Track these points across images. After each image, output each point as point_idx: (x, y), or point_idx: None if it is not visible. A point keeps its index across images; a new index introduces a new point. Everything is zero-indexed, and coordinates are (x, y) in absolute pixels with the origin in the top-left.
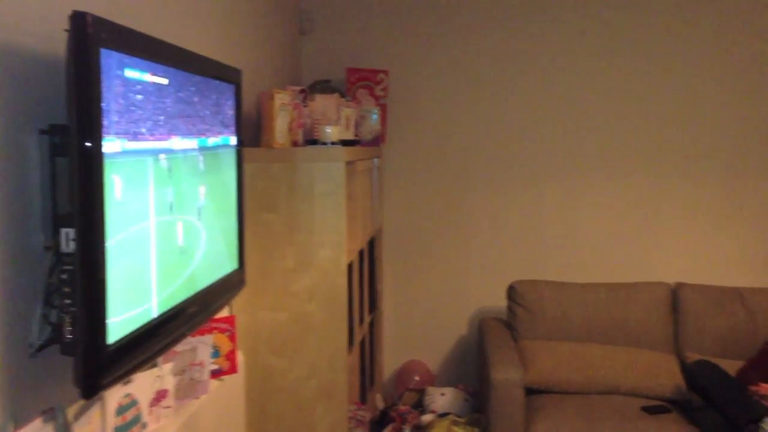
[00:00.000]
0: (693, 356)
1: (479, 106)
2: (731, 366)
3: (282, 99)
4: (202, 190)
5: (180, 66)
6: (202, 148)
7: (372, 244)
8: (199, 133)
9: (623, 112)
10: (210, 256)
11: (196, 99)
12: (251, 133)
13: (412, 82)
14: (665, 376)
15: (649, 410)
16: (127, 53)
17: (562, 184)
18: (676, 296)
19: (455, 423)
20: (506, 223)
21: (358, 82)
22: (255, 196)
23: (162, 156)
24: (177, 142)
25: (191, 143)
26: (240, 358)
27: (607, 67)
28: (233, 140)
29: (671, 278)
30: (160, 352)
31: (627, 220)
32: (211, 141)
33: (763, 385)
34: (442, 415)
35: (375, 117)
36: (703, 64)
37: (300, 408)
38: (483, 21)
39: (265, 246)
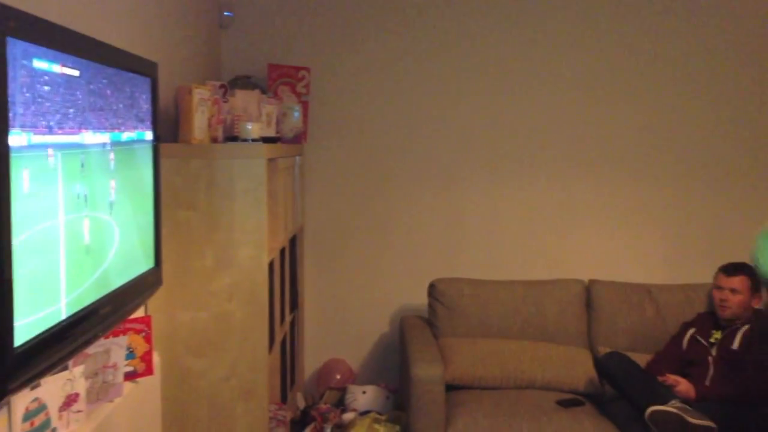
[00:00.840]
0: (605, 350)
1: (401, 105)
2: (641, 359)
3: (201, 94)
4: (115, 186)
5: (92, 57)
6: (116, 143)
7: (293, 242)
8: (112, 128)
9: (540, 115)
10: (124, 254)
11: (108, 92)
12: (169, 128)
13: (334, 80)
14: (579, 370)
15: (564, 403)
16: (35, 43)
17: (482, 184)
18: (589, 293)
19: (376, 421)
20: (427, 222)
21: (280, 79)
22: (172, 193)
23: (72, 150)
24: (88, 137)
25: (104, 138)
26: (156, 359)
27: (526, 68)
28: (149, 135)
29: (585, 275)
30: (70, 354)
31: (543, 220)
32: (125, 136)
33: (669, 375)
34: (364, 413)
35: (296, 114)
36: (612, 70)
37: (219, 409)
38: (404, 19)
39: (183, 244)
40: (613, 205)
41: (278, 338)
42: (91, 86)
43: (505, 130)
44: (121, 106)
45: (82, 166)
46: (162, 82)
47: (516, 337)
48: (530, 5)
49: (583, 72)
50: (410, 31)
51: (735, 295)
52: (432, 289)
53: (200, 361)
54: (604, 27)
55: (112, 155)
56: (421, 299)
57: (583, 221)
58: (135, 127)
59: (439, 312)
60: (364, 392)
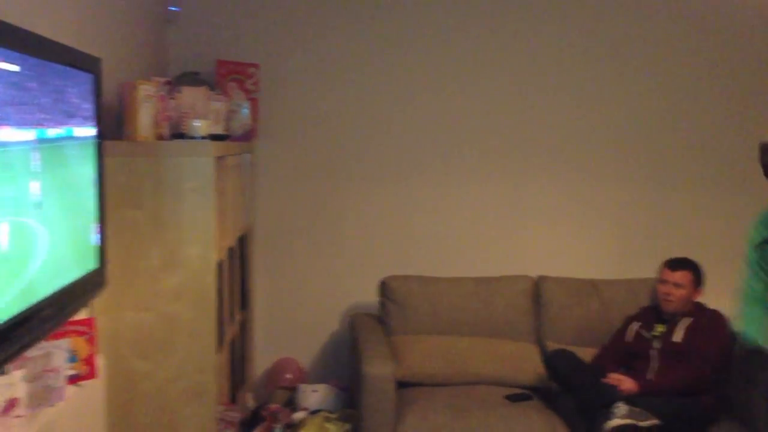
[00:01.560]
0: (553, 345)
1: (351, 102)
2: (587, 353)
3: (146, 90)
4: (40, 186)
5: (26, 51)
6: (44, 141)
7: (243, 241)
8: (38, 124)
9: (490, 113)
10: (58, 256)
11: (35, 86)
12: (114, 126)
13: (284, 77)
14: (528, 365)
15: (512, 398)
16: None
17: (432, 182)
18: (538, 289)
19: (327, 419)
20: (378, 220)
21: (229, 75)
22: (117, 192)
23: None
24: (9, 133)
25: (28, 135)
26: (100, 361)
27: (476, 66)
28: (86, 132)
29: (534, 272)
30: (8, 358)
31: (493, 217)
32: (56, 133)
33: (612, 375)
34: (315, 412)
35: (246, 111)
36: (560, 68)
37: (166, 411)
38: (356, 16)
39: (128, 244)
40: (561, 202)
41: (227, 338)
42: (18, 80)
43: (454, 127)
44: (48, 100)
45: (4, 164)
46: (106, 78)
47: (466, 333)
48: (476, 3)
49: (531, 70)
50: (362, 27)
51: (678, 290)
52: (383, 286)
53: (146, 362)
54: (558, 22)
55: (37, 154)
56: (372, 297)
57: (532, 218)
58: (71, 124)
59: (390, 309)
60: (314, 391)
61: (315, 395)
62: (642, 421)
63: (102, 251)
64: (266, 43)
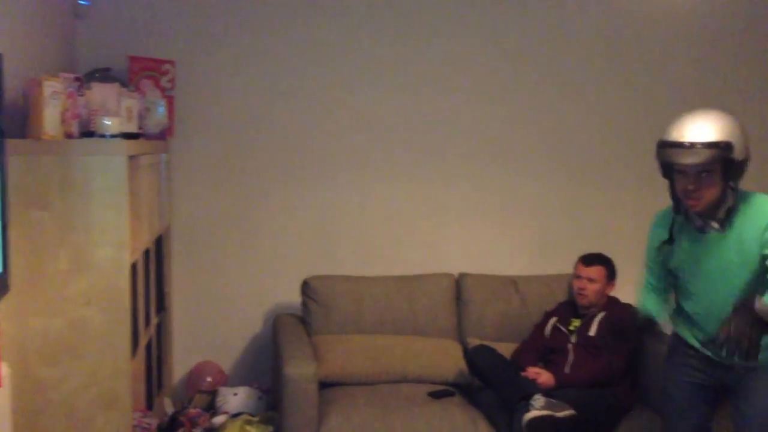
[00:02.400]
0: (474, 341)
1: (271, 100)
2: (507, 348)
3: (53, 87)
4: None
5: None
6: None
7: (160, 242)
8: None
9: (410, 111)
10: None
11: None
12: (19, 124)
13: (202, 74)
14: (450, 361)
15: (435, 395)
16: None
17: (354, 180)
18: (459, 286)
19: (248, 422)
20: (300, 219)
21: (142, 72)
22: (21, 193)
23: None
24: None
25: None
26: (5, 370)
27: (394, 64)
28: None
29: (455, 269)
30: None
31: (415, 215)
32: None
33: (530, 369)
34: (235, 416)
35: (161, 109)
36: (478, 66)
37: (77, 420)
38: (274, 13)
39: (34, 247)
40: (480, 200)
41: (142, 342)
42: None
43: (375, 126)
44: None
45: None
46: (9, 74)
47: (389, 331)
48: (397, 2)
49: (449, 67)
50: (280, 24)
51: (592, 284)
52: (305, 286)
53: (55, 370)
54: (474, 20)
55: None
56: (295, 297)
57: (453, 216)
58: None
59: (312, 309)
60: (235, 394)
61: (235, 398)
62: (558, 411)
63: (4, 255)
64: (182, 39)
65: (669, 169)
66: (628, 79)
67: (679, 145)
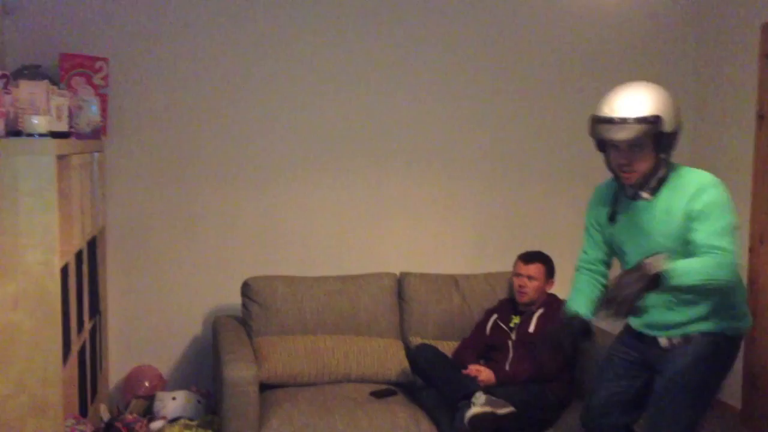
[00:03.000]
0: (416, 340)
1: (211, 99)
2: (449, 347)
3: None
4: None
5: None
6: None
7: (94, 244)
8: None
9: (349, 112)
10: None
11: None
12: None
13: (137, 71)
14: (392, 361)
15: (378, 394)
16: None
17: (294, 180)
18: (401, 285)
19: (187, 427)
20: (241, 220)
21: (74, 70)
22: None
23: None
24: None
25: None
26: None
27: (334, 65)
28: None
29: (397, 268)
30: None
31: (356, 215)
32: None
33: (471, 367)
34: (173, 420)
35: (94, 108)
36: (418, 68)
37: (6, 429)
38: (211, 9)
39: None
40: (421, 199)
41: (75, 347)
42: None
43: (314, 126)
44: None
45: None
46: None
47: (331, 332)
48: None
49: (389, 67)
50: (219, 23)
51: (532, 282)
52: (245, 287)
53: None
54: (412, 24)
55: None
56: (234, 299)
57: (394, 215)
58: None
59: (253, 311)
60: (173, 398)
61: (174, 403)
62: (499, 409)
63: None
64: (117, 36)
65: (603, 143)
66: (566, 81)
67: (610, 121)
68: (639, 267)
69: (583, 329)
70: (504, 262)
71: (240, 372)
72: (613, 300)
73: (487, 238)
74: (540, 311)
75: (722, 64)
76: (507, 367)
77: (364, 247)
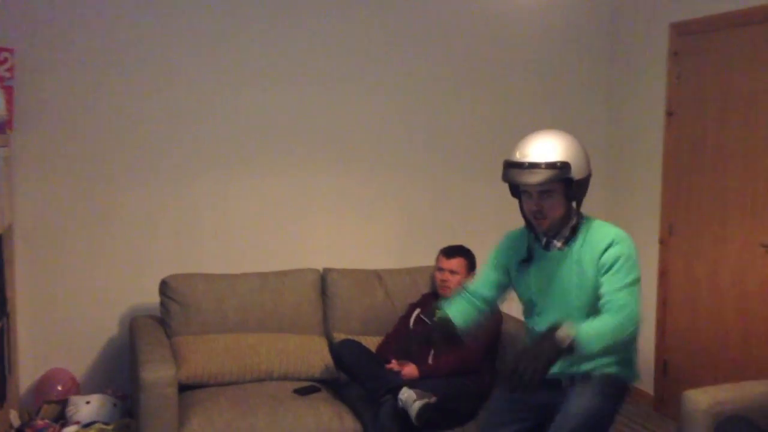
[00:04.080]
0: (340, 336)
1: (125, 92)
2: (373, 342)
3: None
4: None
5: None
6: None
7: (0, 242)
8: None
9: (271, 107)
10: None
11: None
12: None
13: (46, 63)
14: (316, 357)
15: (301, 392)
16: None
17: (214, 176)
18: (324, 281)
19: (102, 431)
20: (158, 216)
21: None
22: None
23: None
24: None
25: None
26: None
27: (258, 60)
28: None
29: (320, 264)
30: None
31: (278, 211)
32: None
33: (394, 362)
34: (88, 425)
35: None
36: (343, 62)
37: None
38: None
39: None
40: (345, 195)
41: None
42: None
43: (236, 120)
44: None
45: None
46: None
47: (254, 330)
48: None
49: (312, 62)
50: (132, 12)
51: (454, 276)
52: (164, 286)
53: None
54: (337, 17)
55: None
56: (152, 298)
57: (316, 211)
58: None
59: (172, 310)
60: (88, 402)
61: (88, 407)
62: (429, 399)
63: None
64: (22, 26)
65: (516, 189)
66: (488, 77)
67: (520, 165)
68: (549, 338)
69: (448, 334)
70: (427, 257)
71: (157, 373)
72: (522, 371)
73: (409, 232)
74: None
75: (634, 62)
76: (430, 361)
77: (287, 243)
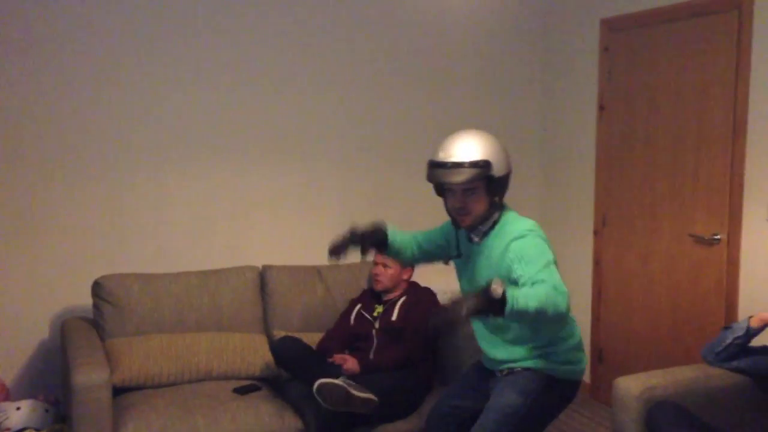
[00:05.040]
0: (280, 334)
1: (50, 84)
2: (314, 338)
3: None
4: None
5: None
6: None
7: None
8: None
9: (205, 103)
10: None
11: None
12: None
13: None
14: (256, 356)
15: (240, 391)
16: None
17: (148, 173)
18: (263, 278)
19: None
20: (90, 216)
21: None
22: None
23: None
24: None
25: None
26: None
27: (190, 56)
28: None
29: (259, 261)
30: None
31: (216, 208)
32: None
33: (336, 356)
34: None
35: None
36: (277, 58)
37: None
38: None
39: None
40: (283, 191)
41: None
42: None
43: (170, 116)
44: None
45: None
46: None
47: (192, 329)
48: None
49: (246, 57)
50: (56, 4)
51: (387, 270)
52: (96, 287)
53: None
54: (271, 13)
55: None
56: (84, 299)
57: (255, 208)
58: None
59: (105, 311)
60: (18, 408)
61: (18, 413)
62: (356, 390)
63: None
64: None
65: (441, 188)
66: (421, 71)
67: (443, 165)
68: (484, 291)
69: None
70: None
71: (90, 377)
72: (452, 308)
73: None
74: (402, 299)
75: (567, 58)
76: (371, 356)
77: (225, 241)
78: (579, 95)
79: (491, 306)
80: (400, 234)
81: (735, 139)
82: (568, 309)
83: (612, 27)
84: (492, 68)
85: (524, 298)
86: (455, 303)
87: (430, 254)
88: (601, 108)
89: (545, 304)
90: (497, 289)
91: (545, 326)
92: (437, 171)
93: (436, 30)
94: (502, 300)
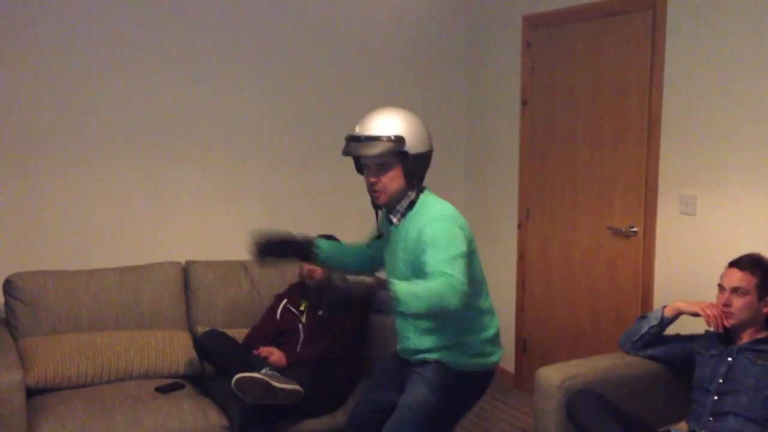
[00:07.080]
0: (204, 330)
1: None
2: (239, 334)
3: None
4: None
5: None
6: None
7: None
8: None
9: (129, 95)
10: None
11: None
12: None
13: None
14: (179, 353)
15: (163, 389)
16: None
17: (62, 167)
18: (186, 274)
19: None
20: (0, 210)
21: None
22: None
23: None
24: None
25: None
26: None
27: (114, 50)
28: None
29: (182, 257)
30: None
31: (136, 203)
32: None
33: (263, 348)
34: None
35: None
36: (202, 55)
37: None
38: None
39: None
40: (206, 185)
41: None
42: None
43: (88, 108)
44: None
45: None
46: None
47: (112, 328)
48: None
49: (169, 53)
50: None
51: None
52: (8, 285)
53: None
54: (192, 11)
55: None
56: None
57: (177, 202)
58: None
59: (18, 310)
60: None
61: None
62: (279, 382)
63: None
64: None
65: (359, 165)
66: (349, 69)
67: (357, 139)
68: (368, 277)
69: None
70: None
71: (1, 378)
72: (326, 283)
73: (274, 222)
74: None
75: (490, 54)
76: (298, 350)
77: (146, 236)
78: (502, 90)
79: (371, 298)
80: (337, 245)
81: (650, 135)
82: (461, 307)
83: (533, 23)
84: (416, 64)
85: (413, 300)
86: (338, 281)
87: (377, 260)
88: (524, 103)
89: (433, 301)
90: (382, 283)
91: (445, 319)
92: (351, 144)
93: (357, 23)
94: (389, 295)
